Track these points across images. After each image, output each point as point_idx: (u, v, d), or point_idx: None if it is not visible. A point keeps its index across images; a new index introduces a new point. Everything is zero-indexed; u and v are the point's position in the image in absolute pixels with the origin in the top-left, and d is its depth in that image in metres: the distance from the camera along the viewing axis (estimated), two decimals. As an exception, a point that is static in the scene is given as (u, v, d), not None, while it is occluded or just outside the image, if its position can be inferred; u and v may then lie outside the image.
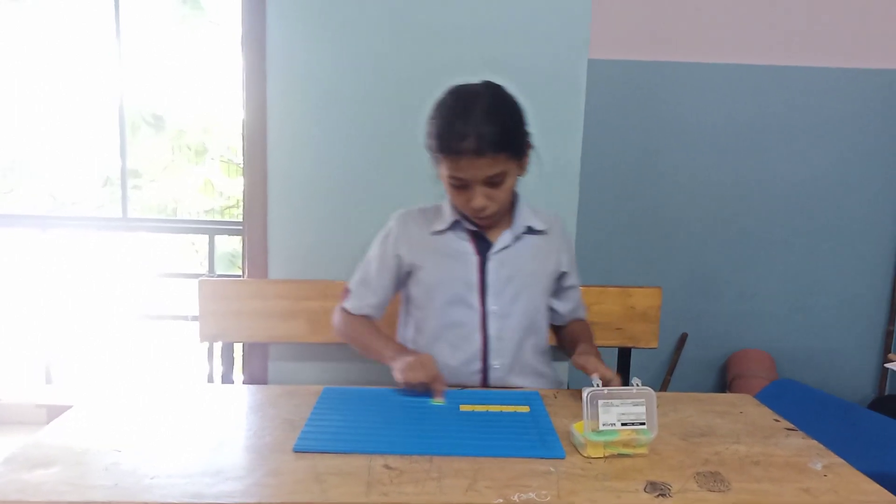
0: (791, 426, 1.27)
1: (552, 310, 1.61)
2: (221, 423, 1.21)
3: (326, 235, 1.98)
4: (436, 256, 1.49)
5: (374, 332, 1.54)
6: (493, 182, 1.36)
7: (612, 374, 1.29)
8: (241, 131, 1.95)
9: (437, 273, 1.49)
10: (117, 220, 3.40)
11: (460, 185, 1.38)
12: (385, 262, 1.54)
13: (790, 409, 2.64)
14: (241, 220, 2.01)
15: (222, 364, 1.96)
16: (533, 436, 1.16)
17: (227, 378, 1.96)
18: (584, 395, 1.10)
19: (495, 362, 1.49)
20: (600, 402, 1.10)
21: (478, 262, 1.47)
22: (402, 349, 1.46)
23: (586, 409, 1.09)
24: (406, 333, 1.61)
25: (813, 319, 2.99)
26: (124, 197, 3.37)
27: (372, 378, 1.78)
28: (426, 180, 1.50)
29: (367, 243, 1.60)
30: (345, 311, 1.58)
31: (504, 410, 1.27)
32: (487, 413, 1.26)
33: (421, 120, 1.43)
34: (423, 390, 1.34)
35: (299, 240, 1.99)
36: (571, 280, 1.60)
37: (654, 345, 1.97)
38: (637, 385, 1.12)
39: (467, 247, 1.48)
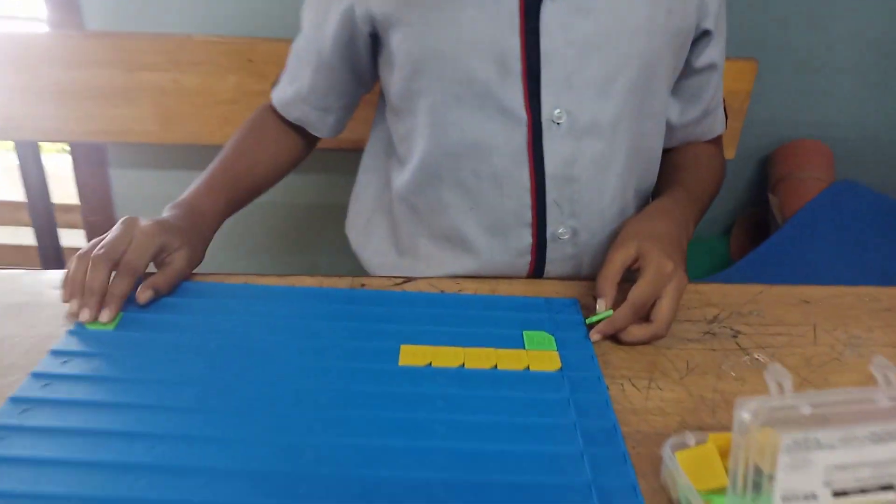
0: None
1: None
2: None
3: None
4: None
5: (231, 157, 0.78)
6: None
7: (625, 316, 0.59)
8: None
9: (426, 33, 0.67)
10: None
11: None
12: (329, 8, 0.72)
13: (852, 218, 2.01)
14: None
15: (23, 180, 1.19)
16: (570, 447, 0.47)
17: (37, 200, 1.20)
18: (740, 411, 0.38)
19: (560, 228, 0.73)
20: (786, 440, 0.38)
21: (521, 5, 0.65)
22: (188, 209, 0.70)
23: (740, 430, 0.38)
24: (374, 167, 0.84)
25: (888, 102, 2.25)
26: None
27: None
28: None
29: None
30: (269, 104, 0.83)
31: (502, 368, 0.56)
32: (457, 376, 0.55)
33: None
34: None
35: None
36: (716, 49, 0.75)
37: (729, 154, 1.24)
38: (893, 370, 0.40)
39: None
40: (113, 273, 0.59)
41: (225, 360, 0.55)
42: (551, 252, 0.74)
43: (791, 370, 0.59)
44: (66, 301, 0.59)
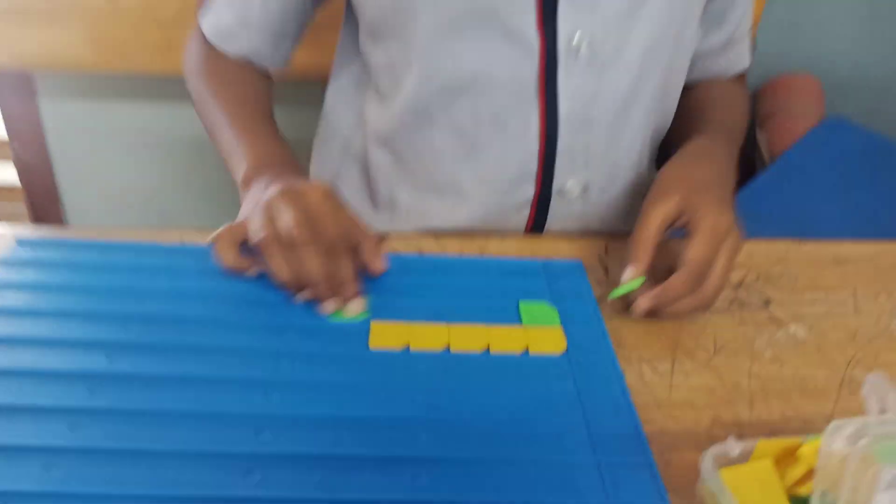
0: None
1: None
2: None
3: None
4: None
5: (234, 102, 0.62)
6: None
7: (683, 283, 0.48)
8: None
9: None
10: None
11: None
12: None
13: (843, 157, 1.94)
14: None
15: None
16: (582, 456, 0.37)
17: None
18: (832, 437, 0.28)
19: (570, 180, 0.61)
20: (891, 473, 0.28)
21: None
22: (284, 160, 0.57)
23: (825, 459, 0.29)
24: (343, 106, 0.69)
25: (883, 35, 2.14)
26: None
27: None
28: None
29: None
30: (201, 36, 0.66)
31: (496, 351, 0.46)
32: (441, 362, 0.44)
33: None
34: (300, 289, 0.47)
35: None
36: None
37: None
38: None
39: None
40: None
41: (149, 339, 0.44)
42: (555, 208, 0.62)
43: (835, 347, 0.50)
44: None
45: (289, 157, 0.58)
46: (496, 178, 0.61)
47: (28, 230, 0.55)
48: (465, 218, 0.63)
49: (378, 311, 0.48)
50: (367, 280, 0.50)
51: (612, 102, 0.58)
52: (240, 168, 0.56)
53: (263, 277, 0.49)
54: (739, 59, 0.70)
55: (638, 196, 0.61)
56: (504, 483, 0.37)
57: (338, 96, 0.69)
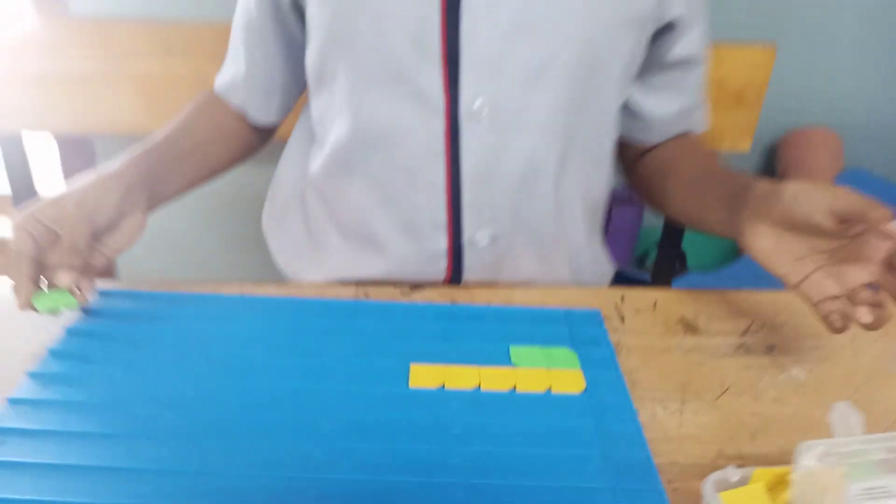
0: None
1: (629, 111, 0.72)
2: None
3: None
4: None
5: (182, 127, 0.70)
6: None
7: None
8: None
9: (339, 1, 0.60)
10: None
11: None
12: None
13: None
14: None
15: (7, 171, 1.14)
16: (599, 483, 0.43)
17: (21, 194, 1.15)
18: (804, 455, 0.33)
19: (478, 232, 0.66)
20: (857, 487, 0.33)
21: None
22: (114, 166, 0.59)
23: (803, 478, 0.34)
24: (297, 153, 0.76)
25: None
26: None
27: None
28: None
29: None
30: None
31: (521, 390, 0.51)
32: (473, 400, 0.50)
33: None
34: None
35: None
36: (691, 41, 0.66)
37: (745, 147, 1.18)
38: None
39: None
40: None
41: (213, 384, 0.50)
42: (468, 258, 0.67)
43: (833, 388, 0.54)
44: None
45: (124, 167, 0.59)
46: (409, 226, 0.66)
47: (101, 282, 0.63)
48: (387, 266, 0.68)
49: (417, 355, 0.54)
50: (412, 327, 0.56)
51: (515, 162, 0.62)
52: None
53: (305, 332, 0.56)
54: (697, 125, 0.74)
55: (551, 249, 0.67)
56: (530, 502, 0.42)
57: (291, 148, 0.77)
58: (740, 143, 1.17)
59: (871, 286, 0.49)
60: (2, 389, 0.49)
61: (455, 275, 0.68)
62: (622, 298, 0.64)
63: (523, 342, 0.56)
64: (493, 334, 0.57)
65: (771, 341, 0.60)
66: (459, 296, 0.64)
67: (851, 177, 1.99)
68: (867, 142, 2.22)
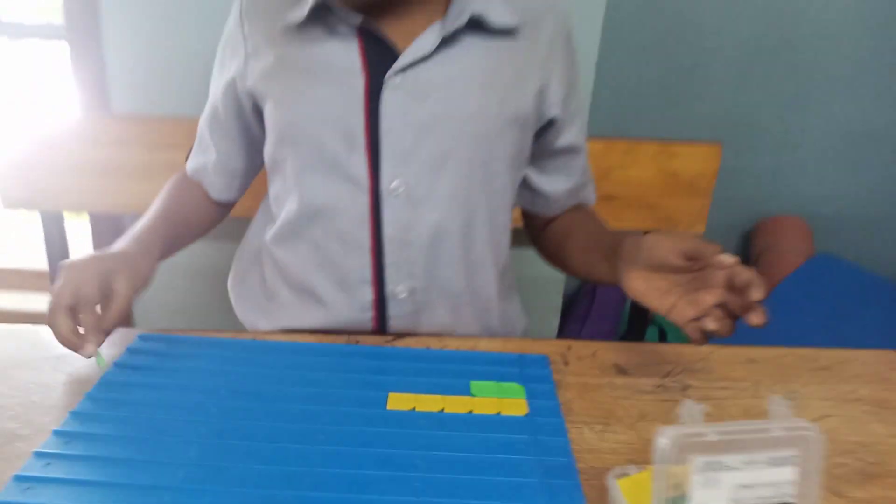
0: None
1: (531, 190, 0.90)
2: None
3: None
4: (289, 75, 0.77)
5: (167, 204, 0.86)
6: None
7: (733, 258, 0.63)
8: None
9: (287, 107, 0.77)
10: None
11: None
12: (224, 87, 0.84)
13: (831, 291, 2.08)
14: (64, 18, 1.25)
15: (46, 247, 1.29)
16: (532, 479, 0.55)
17: (57, 270, 1.30)
18: (659, 438, 0.46)
19: (399, 286, 0.80)
20: (700, 461, 0.46)
21: (366, 86, 0.75)
22: (130, 241, 0.76)
23: (660, 455, 0.47)
24: (260, 226, 0.92)
25: (862, 179, 2.36)
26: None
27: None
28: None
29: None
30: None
31: (480, 413, 0.64)
32: (437, 418, 0.63)
33: None
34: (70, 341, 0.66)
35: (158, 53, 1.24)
36: (571, 134, 0.85)
37: (700, 229, 1.34)
38: (784, 405, 0.49)
39: (349, 57, 0.75)
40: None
41: (236, 407, 0.64)
42: (392, 308, 0.81)
43: (731, 419, 0.67)
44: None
45: (137, 240, 0.76)
46: (342, 282, 0.81)
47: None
48: (325, 317, 0.82)
49: (395, 386, 0.67)
50: (393, 365, 0.70)
51: (425, 229, 0.78)
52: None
53: (307, 369, 0.70)
54: (587, 199, 0.93)
55: (462, 303, 0.83)
56: (475, 492, 0.54)
57: (256, 222, 0.94)
58: (695, 227, 1.33)
59: (721, 306, 0.64)
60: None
61: (381, 323, 0.82)
62: (569, 348, 0.78)
63: (481, 378, 0.69)
64: (457, 372, 0.70)
65: (687, 382, 0.73)
66: (432, 343, 0.77)
67: (821, 261, 2.13)
68: (835, 230, 2.39)
